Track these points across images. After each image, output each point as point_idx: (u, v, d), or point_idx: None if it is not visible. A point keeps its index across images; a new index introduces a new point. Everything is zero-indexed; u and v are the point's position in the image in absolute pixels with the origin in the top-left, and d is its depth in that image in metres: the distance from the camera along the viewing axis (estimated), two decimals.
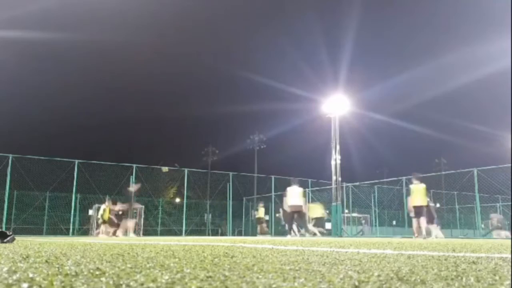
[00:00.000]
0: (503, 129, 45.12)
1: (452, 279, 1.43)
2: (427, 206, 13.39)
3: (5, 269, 1.60)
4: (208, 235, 24.99)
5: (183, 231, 23.58)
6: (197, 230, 25.56)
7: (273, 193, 26.88)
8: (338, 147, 19.62)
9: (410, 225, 24.70)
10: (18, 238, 6.70)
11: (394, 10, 76.26)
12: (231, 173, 25.99)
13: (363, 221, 26.85)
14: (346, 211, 25.04)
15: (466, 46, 59.92)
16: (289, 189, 15.30)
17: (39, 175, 20.50)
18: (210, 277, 1.42)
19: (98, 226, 17.77)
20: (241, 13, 78.65)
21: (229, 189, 25.71)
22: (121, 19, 61.07)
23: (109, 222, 17.08)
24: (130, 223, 17.18)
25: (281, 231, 26.94)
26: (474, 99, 66.61)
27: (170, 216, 26.75)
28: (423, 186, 13.39)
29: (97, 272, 1.53)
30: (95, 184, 21.52)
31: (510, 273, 1.61)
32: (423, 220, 12.94)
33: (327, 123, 20.67)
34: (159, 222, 25.71)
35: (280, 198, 26.92)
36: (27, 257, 2.31)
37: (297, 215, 14.99)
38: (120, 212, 18.23)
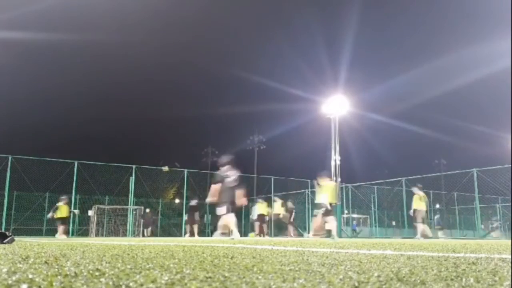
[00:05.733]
0: (503, 129, 45.17)
1: (452, 279, 1.43)
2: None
3: (5, 270, 1.60)
4: (208, 236, 24.97)
5: (183, 232, 23.57)
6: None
7: (272, 193, 26.86)
8: (337, 147, 19.63)
9: (410, 226, 24.77)
10: (18, 239, 6.70)
11: (393, 10, 76.33)
12: None
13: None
14: (346, 211, 25.06)
15: (466, 46, 59.98)
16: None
17: (39, 176, 20.50)
18: (210, 277, 1.42)
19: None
20: (240, 13, 78.71)
21: None
22: (121, 20, 61.11)
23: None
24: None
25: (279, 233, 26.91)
26: (474, 100, 66.70)
27: (170, 218, 26.75)
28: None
29: (97, 273, 1.53)
30: (95, 185, 21.52)
31: (510, 273, 1.61)
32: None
33: (327, 123, 20.69)
34: (159, 224, 25.70)
35: (280, 198, 26.92)
36: (26, 258, 2.31)
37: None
38: None
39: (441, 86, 66.64)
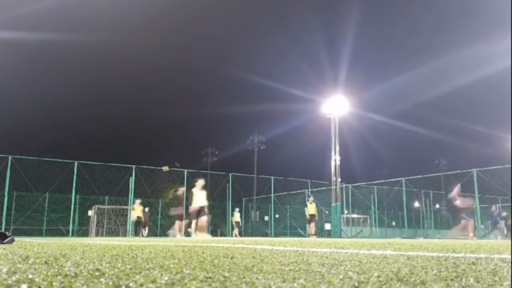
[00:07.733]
0: (503, 129, 45.16)
1: (451, 279, 1.42)
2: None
3: (5, 270, 1.60)
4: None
5: (182, 232, 23.53)
6: None
7: (272, 194, 26.87)
8: (337, 147, 19.64)
9: (410, 226, 24.78)
10: (18, 239, 6.70)
11: (393, 10, 76.38)
12: (230, 174, 25.99)
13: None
14: (346, 211, 25.04)
15: (466, 46, 60.00)
16: None
17: (39, 176, 20.50)
18: (210, 277, 1.42)
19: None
20: (240, 13, 78.72)
21: (229, 190, 25.70)
22: (121, 20, 61.10)
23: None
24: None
25: (281, 233, 26.91)
26: (474, 100, 66.66)
27: (170, 218, 26.70)
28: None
29: (97, 273, 1.52)
30: (95, 185, 21.51)
31: (510, 274, 1.61)
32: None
33: (327, 123, 20.71)
34: (159, 224, 25.70)
35: (280, 198, 26.97)
36: (26, 258, 2.31)
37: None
38: None
39: (441, 86, 66.65)
